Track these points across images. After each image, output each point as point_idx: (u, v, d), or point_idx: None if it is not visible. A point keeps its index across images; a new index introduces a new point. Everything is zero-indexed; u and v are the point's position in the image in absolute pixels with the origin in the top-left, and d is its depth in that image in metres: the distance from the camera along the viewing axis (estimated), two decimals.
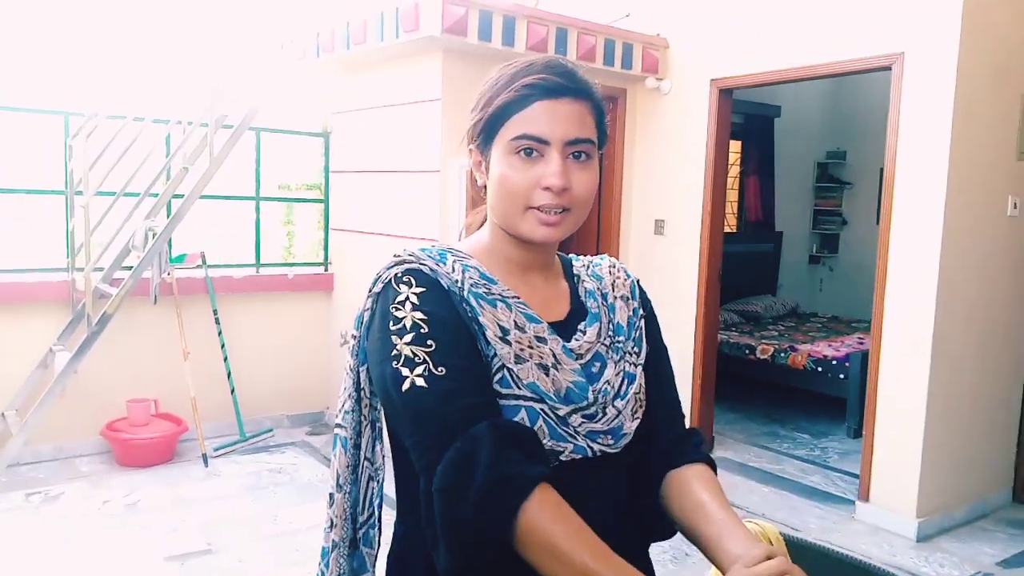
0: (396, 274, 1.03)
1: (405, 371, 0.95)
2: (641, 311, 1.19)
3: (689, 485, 1.10)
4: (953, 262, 3.61)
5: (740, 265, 6.42)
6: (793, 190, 7.42)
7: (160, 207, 4.23)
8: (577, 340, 1.08)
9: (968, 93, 3.52)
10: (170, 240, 4.29)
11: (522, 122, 1.03)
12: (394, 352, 0.97)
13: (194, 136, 4.17)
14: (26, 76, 4.26)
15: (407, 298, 1.00)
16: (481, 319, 1.01)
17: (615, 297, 1.16)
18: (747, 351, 5.76)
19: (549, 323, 1.07)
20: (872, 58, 3.76)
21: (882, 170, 3.81)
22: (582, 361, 1.07)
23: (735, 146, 6.89)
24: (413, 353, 0.96)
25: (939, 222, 3.53)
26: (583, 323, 1.11)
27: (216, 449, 4.42)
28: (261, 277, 4.93)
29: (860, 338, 5.73)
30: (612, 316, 1.14)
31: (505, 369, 1.00)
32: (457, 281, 1.03)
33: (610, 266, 1.22)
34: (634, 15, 4.76)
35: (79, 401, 4.21)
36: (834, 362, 5.27)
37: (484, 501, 0.88)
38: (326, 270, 5.21)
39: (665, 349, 1.22)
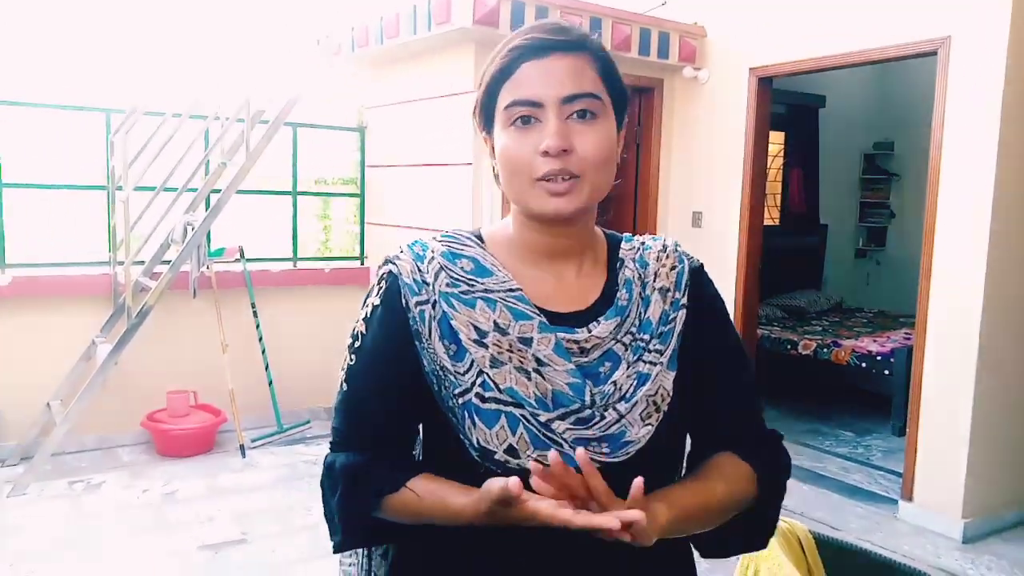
0: (380, 274, 1.04)
1: (341, 365, 1.05)
2: (684, 302, 1.03)
3: (706, 464, 1.03)
4: (1001, 256, 3.46)
5: (783, 259, 6.28)
6: (839, 182, 7.22)
7: (199, 202, 4.32)
8: (584, 333, 0.97)
9: (1019, 79, 3.37)
10: (209, 234, 4.35)
11: (512, 88, 0.96)
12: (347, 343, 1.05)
13: (231, 131, 4.23)
14: (69, 74, 4.37)
15: (368, 304, 1.04)
16: (454, 323, 0.97)
17: (654, 288, 1.02)
18: (789, 346, 5.63)
19: (566, 313, 0.99)
20: (916, 43, 3.63)
21: None
22: (585, 359, 0.96)
23: (777, 137, 6.74)
24: (345, 356, 1.04)
25: (987, 215, 3.40)
26: (602, 316, 0.99)
27: (253, 440, 4.48)
28: (298, 271, 4.98)
29: (907, 334, 5.55)
30: (644, 311, 1.01)
31: (484, 374, 0.96)
32: (428, 284, 0.99)
33: (660, 250, 1.06)
34: (670, 3, 4.67)
35: (121, 392, 4.30)
36: (879, 358, 5.12)
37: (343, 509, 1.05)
38: (362, 264, 5.24)
39: (733, 342, 1.09)
